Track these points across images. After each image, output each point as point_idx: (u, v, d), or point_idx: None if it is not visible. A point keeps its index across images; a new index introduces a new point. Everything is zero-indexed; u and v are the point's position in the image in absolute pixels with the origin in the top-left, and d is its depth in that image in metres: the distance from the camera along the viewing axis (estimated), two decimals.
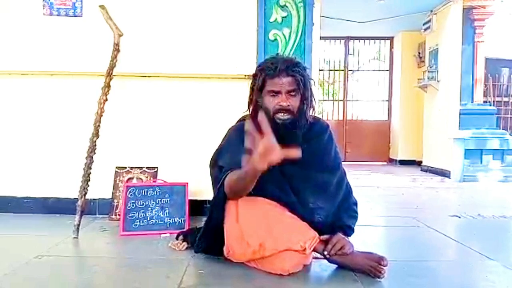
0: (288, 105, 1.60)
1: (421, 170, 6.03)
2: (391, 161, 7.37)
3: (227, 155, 1.66)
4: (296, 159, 1.60)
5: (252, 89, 1.71)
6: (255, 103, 1.70)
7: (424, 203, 3.55)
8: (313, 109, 1.73)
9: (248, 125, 1.41)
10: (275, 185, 1.61)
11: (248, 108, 1.75)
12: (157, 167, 2.51)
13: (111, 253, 1.94)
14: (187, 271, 1.58)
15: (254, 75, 1.69)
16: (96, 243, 2.03)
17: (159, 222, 2.21)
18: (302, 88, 1.62)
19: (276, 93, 1.61)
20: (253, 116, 1.73)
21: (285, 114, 1.61)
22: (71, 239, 2.01)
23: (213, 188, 1.73)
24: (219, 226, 1.62)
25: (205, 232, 1.71)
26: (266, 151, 1.35)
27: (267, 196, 1.59)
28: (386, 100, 7.64)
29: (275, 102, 1.61)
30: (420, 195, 4.03)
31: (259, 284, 1.46)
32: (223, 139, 1.78)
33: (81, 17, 2.54)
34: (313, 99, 1.69)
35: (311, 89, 1.68)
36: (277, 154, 1.36)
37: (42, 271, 1.58)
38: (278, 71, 1.59)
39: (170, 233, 2.11)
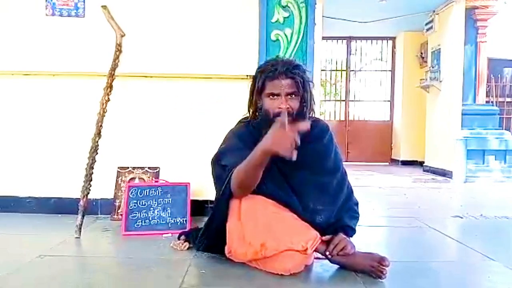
0: (288, 107, 1.60)
1: (423, 170, 6.02)
2: (393, 161, 7.36)
3: (230, 156, 1.65)
4: (297, 161, 1.60)
5: (252, 91, 1.70)
6: (255, 105, 1.70)
7: (426, 204, 3.54)
8: (313, 112, 1.72)
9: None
10: (276, 186, 1.61)
11: (248, 110, 1.75)
12: (159, 167, 2.51)
13: (113, 253, 1.95)
14: (189, 271, 1.58)
15: (254, 78, 1.69)
16: (98, 243, 2.04)
17: (161, 222, 2.21)
18: (302, 90, 1.61)
19: (276, 95, 1.61)
20: (253, 118, 1.73)
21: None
22: (73, 239, 2.02)
23: (215, 186, 1.72)
24: (222, 224, 1.61)
25: (207, 230, 1.71)
26: (284, 133, 1.38)
27: (268, 196, 1.59)
28: (388, 101, 7.64)
29: (274, 104, 1.61)
30: (422, 195, 4.03)
31: (261, 284, 1.46)
32: (223, 142, 1.77)
33: (83, 18, 2.55)
34: (312, 101, 1.69)
35: (310, 91, 1.67)
36: (290, 138, 1.37)
37: (44, 270, 1.59)
38: (277, 73, 1.59)
39: (172, 233, 2.11)
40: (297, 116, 1.62)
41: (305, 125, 1.44)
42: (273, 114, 1.61)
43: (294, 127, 1.41)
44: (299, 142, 1.38)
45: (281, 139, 1.37)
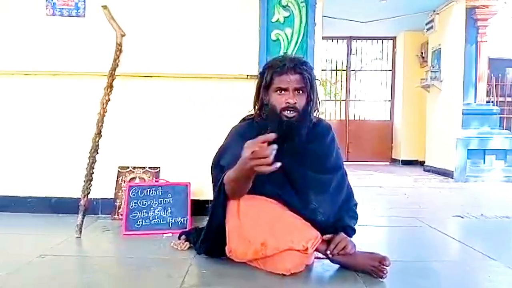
0: (295, 103, 1.60)
1: (424, 170, 6.02)
2: (394, 161, 7.35)
3: (229, 155, 1.65)
4: (298, 160, 1.60)
5: (258, 86, 1.71)
6: (261, 102, 1.70)
7: (426, 203, 3.53)
8: (317, 110, 1.73)
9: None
10: (276, 184, 1.60)
11: (254, 106, 1.75)
12: (159, 167, 2.51)
13: (113, 252, 1.95)
14: (190, 270, 1.58)
15: (261, 73, 1.70)
16: (99, 242, 2.04)
17: (161, 222, 2.21)
18: (309, 87, 1.62)
19: (284, 90, 1.61)
20: (259, 114, 1.73)
21: (291, 112, 1.61)
22: (74, 239, 2.02)
23: (213, 189, 1.72)
24: (221, 227, 1.61)
25: (207, 234, 1.70)
26: (257, 156, 1.32)
27: (268, 195, 1.59)
28: (389, 100, 7.63)
29: (282, 99, 1.61)
30: (422, 195, 4.02)
31: (261, 283, 1.46)
32: (225, 140, 1.77)
33: (84, 18, 2.55)
34: (318, 99, 1.69)
35: (316, 89, 1.68)
36: (267, 162, 1.30)
37: (45, 270, 1.59)
38: (286, 68, 1.60)
39: (173, 233, 2.11)
40: (303, 112, 1.62)
41: (270, 136, 1.35)
42: (280, 109, 1.61)
43: (264, 138, 1.35)
44: (276, 148, 1.30)
45: (255, 161, 1.32)
